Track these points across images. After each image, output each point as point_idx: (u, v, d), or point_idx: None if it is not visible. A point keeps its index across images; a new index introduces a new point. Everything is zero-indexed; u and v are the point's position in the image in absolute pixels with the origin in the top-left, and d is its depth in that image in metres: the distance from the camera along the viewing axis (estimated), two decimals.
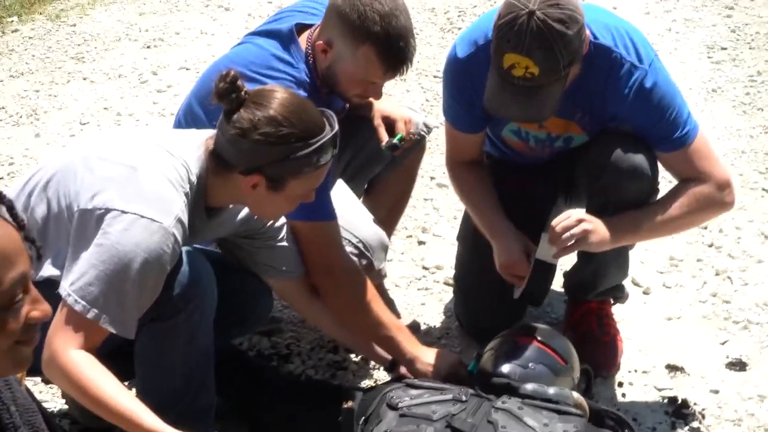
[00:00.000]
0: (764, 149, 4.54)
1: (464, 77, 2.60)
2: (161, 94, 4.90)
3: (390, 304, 3.11)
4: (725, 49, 5.81)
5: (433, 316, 3.29)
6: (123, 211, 2.00)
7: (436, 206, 3.92)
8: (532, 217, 2.79)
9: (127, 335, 2.05)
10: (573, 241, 2.41)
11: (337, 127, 2.17)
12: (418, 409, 2.30)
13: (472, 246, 2.99)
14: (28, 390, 1.77)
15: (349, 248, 2.75)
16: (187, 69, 5.18)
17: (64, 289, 1.98)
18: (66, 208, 2.10)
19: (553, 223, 2.44)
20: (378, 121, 2.89)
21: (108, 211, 2.01)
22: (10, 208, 1.50)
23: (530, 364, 2.53)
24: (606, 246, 2.50)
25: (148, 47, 5.49)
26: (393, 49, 2.45)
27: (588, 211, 2.55)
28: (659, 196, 2.67)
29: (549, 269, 2.65)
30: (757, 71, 5.45)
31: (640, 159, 2.57)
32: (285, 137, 2.06)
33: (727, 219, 3.82)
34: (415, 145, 3.04)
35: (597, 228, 2.44)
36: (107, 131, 4.07)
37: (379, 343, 2.67)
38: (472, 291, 3.09)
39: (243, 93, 2.07)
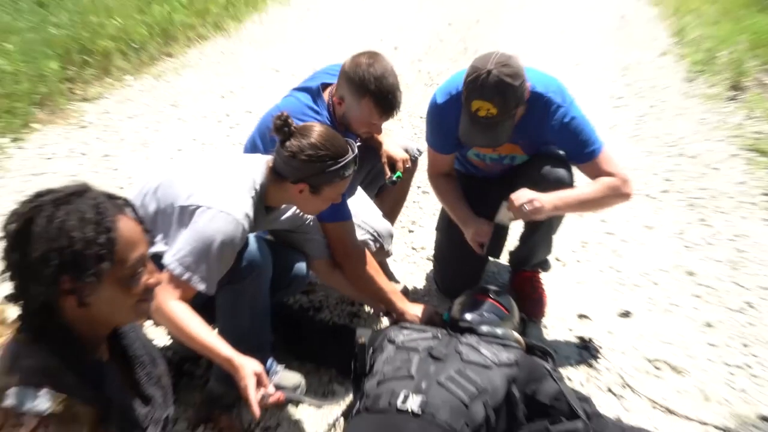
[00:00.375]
0: (647, 167, 4.61)
1: (442, 116, 2.73)
2: (232, 129, 4.99)
3: (389, 274, 3.21)
4: (621, 97, 5.90)
5: (419, 282, 3.38)
6: (208, 207, 2.14)
7: (422, 206, 4.03)
8: (486, 212, 2.83)
9: (209, 292, 2.16)
10: (526, 210, 2.54)
11: (357, 151, 2.30)
12: (408, 343, 2.38)
13: (446, 233, 3.13)
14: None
15: (366, 236, 2.89)
16: (249, 112, 5.28)
17: (168, 258, 2.12)
18: (169, 205, 2.24)
19: (513, 197, 2.57)
20: (384, 159, 3.00)
21: (198, 207, 2.15)
22: (133, 209, 1.61)
23: (485, 314, 2.63)
24: (545, 215, 2.60)
25: (223, 97, 5.58)
26: (385, 101, 2.58)
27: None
28: None
29: (504, 231, 2.75)
30: (643, 113, 5.54)
31: (562, 172, 2.74)
32: (322, 158, 2.21)
33: (620, 215, 3.91)
34: (411, 164, 3.14)
35: (542, 202, 2.54)
36: (195, 155, 4.19)
37: (380, 301, 2.81)
38: (445, 263, 3.24)
39: (292, 127, 2.22)
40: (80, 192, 1.51)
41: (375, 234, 2.94)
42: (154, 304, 2.08)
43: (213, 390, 2.50)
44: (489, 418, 2.18)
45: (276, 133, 2.24)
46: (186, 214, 2.18)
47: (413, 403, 2.12)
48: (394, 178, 2.99)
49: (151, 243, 2.18)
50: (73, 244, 1.41)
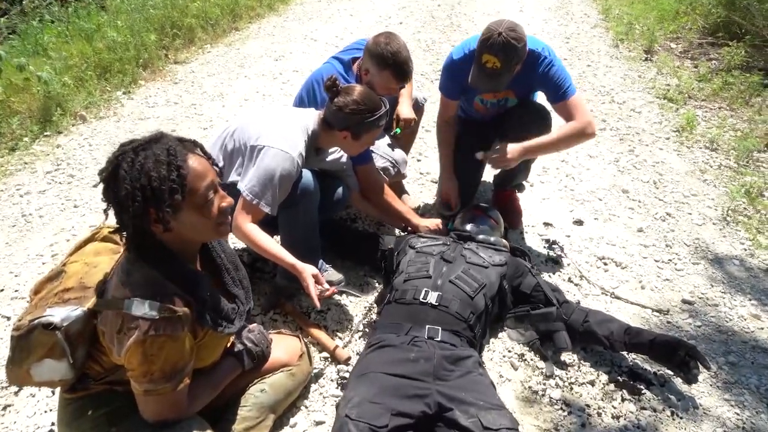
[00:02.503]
0: None
1: (456, 69, 2.39)
2: (284, 84, 4.59)
3: (405, 191, 2.96)
4: (566, 59, 5.42)
5: (426, 198, 3.07)
6: (272, 147, 1.91)
7: (426, 142, 3.67)
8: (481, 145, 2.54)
9: (273, 214, 1.93)
10: (502, 166, 2.37)
11: (388, 106, 2.04)
12: (425, 248, 2.16)
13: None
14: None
15: (387, 163, 2.63)
16: (296, 71, 4.84)
17: (241, 188, 1.90)
18: (243, 145, 1.98)
19: (492, 155, 2.34)
20: (394, 116, 2.68)
21: (264, 146, 1.92)
22: (202, 148, 1.39)
23: (480, 225, 2.39)
24: (515, 163, 2.34)
25: (276, 60, 5.12)
26: (401, 71, 2.29)
27: (510, 138, 2.37)
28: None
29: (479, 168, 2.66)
30: (583, 71, 5.09)
31: (543, 110, 2.47)
32: (362, 111, 1.98)
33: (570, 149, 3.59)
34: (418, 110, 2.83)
35: (513, 154, 2.29)
36: (265, 105, 3.83)
37: (399, 219, 2.55)
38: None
39: (339, 87, 1.96)
40: (156, 139, 1.32)
41: (393, 161, 2.67)
42: (234, 226, 1.88)
43: (279, 283, 2.28)
44: (487, 306, 2.00)
45: (327, 92, 1.99)
46: (255, 152, 1.92)
47: (432, 297, 1.93)
48: (392, 132, 2.70)
49: (221, 174, 1.97)
50: (151, 182, 1.25)
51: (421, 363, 1.68)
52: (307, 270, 1.89)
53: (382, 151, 2.65)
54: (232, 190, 1.94)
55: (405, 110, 2.63)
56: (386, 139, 2.71)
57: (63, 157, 3.44)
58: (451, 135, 2.64)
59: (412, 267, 2.05)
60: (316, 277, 1.90)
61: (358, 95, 1.98)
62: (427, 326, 1.82)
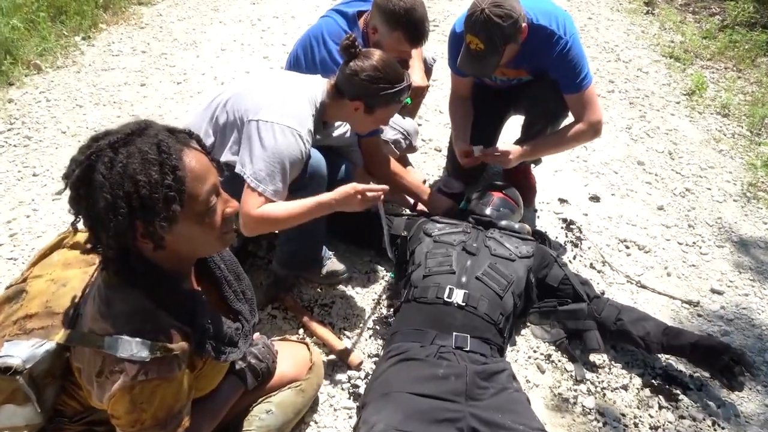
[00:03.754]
0: (593, 70, 3.90)
1: (459, 43, 2.01)
2: (264, 32, 4.13)
3: (409, 164, 2.66)
4: (565, 11, 5.07)
5: (430, 171, 2.79)
6: (277, 123, 1.59)
7: (425, 103, 3.33)
8: (496, 119, 2.40)
9: (281, 200, 1.61)
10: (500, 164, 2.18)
11: (411, 80, 1.71)
12: (443, 237, 1.91)
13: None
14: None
15: (398, 135, 2.37)
16: (276, 17, 4.37)
17: (245, 173, 1.58)
18: (239, 118, 1.64)
19: (492, 152, 2.11)
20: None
21: (267, 122, 1.59)
22: (198, 140, 1.11)
23: (501, 208, 2.14)
24: (514, 164, 2.12)
25: (254, 3, 4.62)
26: (415, 33, 1.95)
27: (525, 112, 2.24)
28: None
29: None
30: (584, 24, 4.75)
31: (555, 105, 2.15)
32: (380, 80, 1.67)
33: None
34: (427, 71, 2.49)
35: (514, 155, 2.08)
36: (265, 70, 3.27)
37: (407, 194, 2.31)
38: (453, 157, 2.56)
39: (357, 49, 1.67)
40: (140, 130, 0.98)
41: (405, 132, 2.39)
42: (245, 220, 1.58)
43: (276, 272, 2.01)
44: (515, 305, 1.77)
45: (342, 52, 1.65)
46: (256, 128, 1.59)
47: (458, 296, 1.69)
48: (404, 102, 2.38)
49: (220, 172, 1.66)
50: (138, 189, 0.93)
51: (452, 380, 1.47)
52: (347, 187, 1.59)
53: (392, 122, 2.35)
54: (227, 169, 1.63)
55: (417, 76, 2.30)
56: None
57: (17, 114, 3.00)
58: (468, 110, 2.29)
59: (432, 260, 1.81)
60: (355, 188, 1.59)
61: (379, 61, 1.65)
62: (454, 333, 1.60)
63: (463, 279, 1.73)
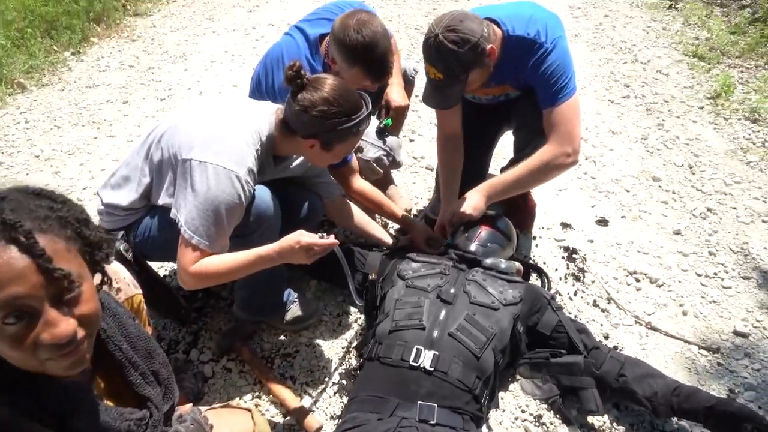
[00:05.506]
0: (606, 74, 3.64)
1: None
2: (257, 41, 3.96)
3: (392, 182, 2.43)
4: (580, 8, 4.75)
5: (420, 191, 2.55)
6: (210, 162, 1.37)
7: (420, 115, 3.11)
8: (487, 138, 2.15)
9: (221, 252, 1.40)
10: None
11: (371, 106, 1.48)
12: (417, 281, 1.67)
13: None
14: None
15: (379, 152, 2.15)
16: (272, 25, 4.20)
17: (180, 224, 1.38)
18: (172, 156, 1.42)
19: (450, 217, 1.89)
20: (383, 102, 2.11)
21: (200, 161, 1.37)
22: (27, 236, 0.73)
23: (488, 244, 1.88)
24: (481, 213, 1.86)
25: (251, 11, 4.46)
26: (375, 70, 1.72)
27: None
28: None
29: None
30: (600, 22, 4.44)
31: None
32: (335, 114, 1.43)
33: (588, 122, 3.05)
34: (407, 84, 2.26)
35: (476, 207, 1.83)
36: (204, 98, 3.00)
37: (392, 220, 2.09)
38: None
39: (305, 79, 1.43)
40: None
41: (387, 149, 2.16)
42: (181, 276, 1.39)
43: (237, 315, 1.82)
44: (497, 363, 1.52)
45: (288, 84, 1.42)
46: (188, 168, 1.37)
47: (426, 359, 1.45)
48: (382, 126, 2.13)
49: (120, 241, 1.45)
50: None
51: None
52: (290, 239, 1.37)
53: (371, 137, 2.13)
54: (165, 213, 1.43)
55: (396, 95, 2.07)
56: (373, 123, 2.17)
57: None
58: (457, 157, 2.01)
59: (401, 311, 1.57)
60: (308, 245, 1.37)
61: (330, 91, 1.41)
62: (419, 403, 1.37)
63: (435, 334, 1.49)
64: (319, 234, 1.40)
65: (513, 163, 2.20)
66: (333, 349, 1.80)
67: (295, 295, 1.84)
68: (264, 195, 1.51)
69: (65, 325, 0.75)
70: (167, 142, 1.45)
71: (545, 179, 1.84)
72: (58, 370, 0.79)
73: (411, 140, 2.89)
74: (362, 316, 1.89)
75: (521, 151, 2.02)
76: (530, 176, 1.79)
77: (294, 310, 1.80)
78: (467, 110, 2.05)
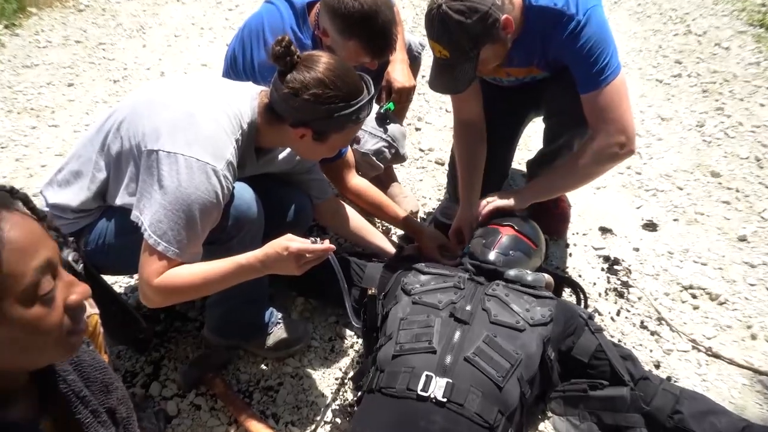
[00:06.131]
0: (654, 48, 3.70)
1: None
2: (231, 12, 4.03)
3: (394, 180, 2.49)
4: None
5: (428, 190, 2.59)
6: (183, 155, 1.38)
7: (428, 99, 3.17)
8: (511, 119, 2.19)
9: (192, 262, 1.42)
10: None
11: (373, 90, 1.50)
12: (426, 297, 1.70)
13: None
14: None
15: (380, 143, 2.19)
16: None
17: (144, 227, 1.38)
18: (135, 146, 1.44)
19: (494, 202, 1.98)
20: (383, 84, 2.14)
21: (170, 152, 1.38)
22: (25, 200, 0.95)
23: (510, 252, 1.90)
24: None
25: None
26: (375, 44, 1.75)
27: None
28: None
29: None
30: None
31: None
32: (331, 98, 1.44)
33: (633, 105, 3.09)
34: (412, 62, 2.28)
35: (519, 202, 1.96)
36: (172, 77, 3.12)
37: (395, 225, 2.17)
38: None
39: (296, 57, 1.43)
40: None
41: (389, 139, 2.20)
42: (144, 290, 1.42)
43: (208, 340, 1.85)
44: (525, 395, 1.54)
45: (275, 62, 1.43)
46: (155, 161, 1.39)
47: (437, 388, 1.47)
48: (382, 111, 2.17)
49: (66, 240, 1.48)
50: None
51: None
52: (276, 245, 1.39)
53: (370, 125, 2.17)
54: (125, 215, 1.45)
55: (399, 74, 2.10)
56: (374, 109, 2.20)
57: None
58: (478, 149, 2.06)
59: (407, 332, 1.59)
60: (300, 251, 1.38)
61: (326, 70, 1.43)
62: None
63: (448, 360, 1.51)
64: (311, 239, 1.42)
65: (543, 155, 2.24)
66: (325, 380, 1.83)
67: (279, 315, 1.87)
68: (245, 194, 1.53)
69: (83, 284, 0.89)
70: (128, 130, 1.47)
71: (596, 175, 1.91)
72: (71, 347, 0.91)
73: (417, 129, 2.93)
74: (359, 340, 1.92)
75: (553, 142, 2.05)
76: (580, 174, 1.86)
77: (277, 333, 1.83)
78: (486, 93, 2.09)
